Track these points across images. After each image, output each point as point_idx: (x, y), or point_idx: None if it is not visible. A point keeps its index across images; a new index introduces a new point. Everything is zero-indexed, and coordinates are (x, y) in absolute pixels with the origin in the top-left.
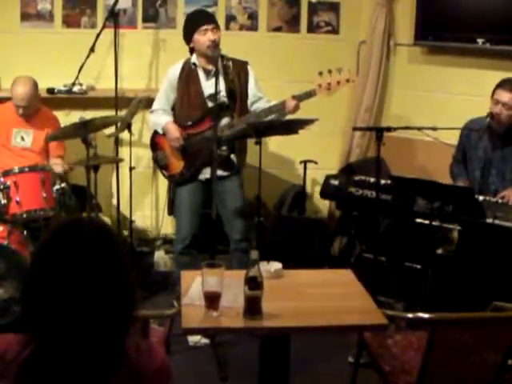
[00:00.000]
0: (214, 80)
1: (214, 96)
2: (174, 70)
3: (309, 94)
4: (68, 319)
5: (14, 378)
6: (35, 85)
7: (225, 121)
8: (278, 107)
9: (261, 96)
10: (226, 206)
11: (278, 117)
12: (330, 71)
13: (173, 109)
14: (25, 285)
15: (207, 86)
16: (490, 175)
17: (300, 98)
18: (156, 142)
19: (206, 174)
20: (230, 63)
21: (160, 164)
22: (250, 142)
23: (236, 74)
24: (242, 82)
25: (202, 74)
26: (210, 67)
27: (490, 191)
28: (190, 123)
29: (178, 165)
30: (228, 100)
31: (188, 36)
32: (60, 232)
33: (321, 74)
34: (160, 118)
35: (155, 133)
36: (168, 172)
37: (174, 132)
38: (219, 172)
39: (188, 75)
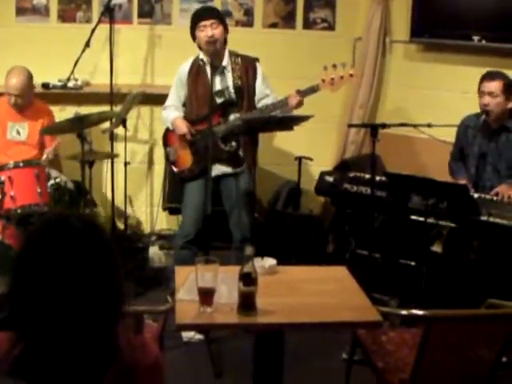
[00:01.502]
0: (221, 76)
1: (210, 93)
2: (184, 67)
3: (312, 90)
4: (56, 316)
5: (5, 376)
6: (29, 75)
7: (232, 117)
8: (281, 103)
9: (268, 93)
10: (231, 203)
11: (281, 113)
12: (334, 66)
13: (184, 105)
14: (11, 281)
15: (215, 82)
16: (485, 171)
17: (304, 94)
18: (167, 138)
19: (214, 170)
20: (239, 59)
21: (170, 160)
22: (260, 137)
23: (244, 70)
24: (249, 78)
25: (209, 71)
26: (218, 63)
27: (485, 187)
28: (198, 119)
29: (187, 160)
30: (235, 96)
31: (192, 33)
32: (46, 228)
33: (325, 68)
34: (170, 114)
35: (167, 129)
36: (177, 168)
37: (182, 127)
38: (226, 169)
39: (197, 72)
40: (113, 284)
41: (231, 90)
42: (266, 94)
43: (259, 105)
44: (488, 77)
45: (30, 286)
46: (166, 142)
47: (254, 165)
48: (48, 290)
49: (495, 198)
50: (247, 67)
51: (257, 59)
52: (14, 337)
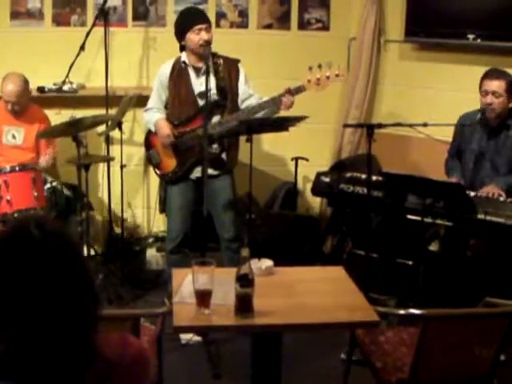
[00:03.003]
0: (204, 78)
1: (205, 94)
2: (165, 69)
3: (298, 90)
4: (27, 325)
5: None
6: (26, 82)
7: (216, 119)
8: (274, 101)
9: (251, 93)
10: (216, 205)
11: (270, 113)
12: (319, 66)
13: (166, 107)
14: None
15: (197, 84)
16: (483, 168)
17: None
18: (149, 140)
19: (197, 172)
20: (221, 61)
21: (153, 163)
22: (241, 139)
23: (227, 71)
24: (232, 79)
25: (192, 72)
26: (200, 65)
27: (484, 184)
28: (181, 121)
29: (170, 163)
30: (219, 98)
31: (180, 34)
32: (7, 240)
33: (311, 69)
34: (152, 115)
35: (149, 132)
36: (160, 171)
37: (165, 129)
38: (210, 171)
39: (178, 74)
40: (81, 290)
41: (214, 91)
42: (249, 94)
43: (243, 105)
44: (491, 75)
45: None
46: (149, 145)
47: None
48: (17, 301)
49: (490, 195)
50: (230, 68)
51: (238, 60)
52: None
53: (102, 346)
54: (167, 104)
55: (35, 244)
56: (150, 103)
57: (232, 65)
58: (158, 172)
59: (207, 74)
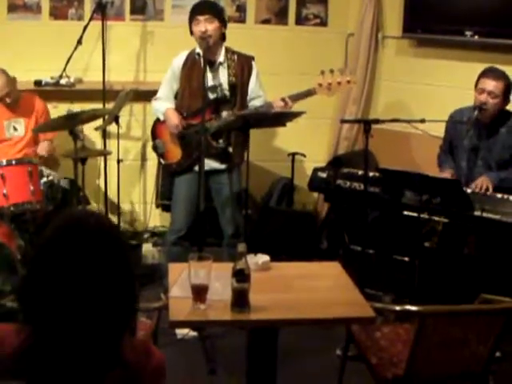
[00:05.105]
0: (216, 72)
1: (204, 89)
2: (179, 60)
3: (308, 93)
4: (67, 315)
5: (9, 370)
6: (3, 71)
7: (225, 114)
8: (267, 106)
9: (260, 95)
10: (221, 199)
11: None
12: (331, 71)
13: (176, 97)
14: (24, 279)
15: (209, 78)
16: (476, 165)
17: (299, 97)
18: (156, 129)
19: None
20: (235, 56)
21: (158, 152)
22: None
23: (240, 68)
24: (244, 76)
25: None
26: (213, 59)
27: None
28: (190, 113)
29: (175, 154)
30: (229, 93)
31: (189, 27)
32: (63, 228)
33: (322, 73)
34: (162, 105)
35: (156, 121)
36: (166, 161)
37: (174, 118)
38: (215, 165)
39: (191, 65)
40: (126, 285)
41: (225, 86)
42: (258, 94)
43: (249, 104)
44: (491, 75)
45: (43, 285)
46: (155, 134)
47: (242, 161)
48: (62, 290)
49: (477, 191)
50: (243, 65)
51: (253, 57)
52: (22, 330)
53: (125, 350)
54: (177, 94)
55: (88, 233)
56: (160, 92)
57: (245, 62)
58: (162, 162)
59: (206, 67)
